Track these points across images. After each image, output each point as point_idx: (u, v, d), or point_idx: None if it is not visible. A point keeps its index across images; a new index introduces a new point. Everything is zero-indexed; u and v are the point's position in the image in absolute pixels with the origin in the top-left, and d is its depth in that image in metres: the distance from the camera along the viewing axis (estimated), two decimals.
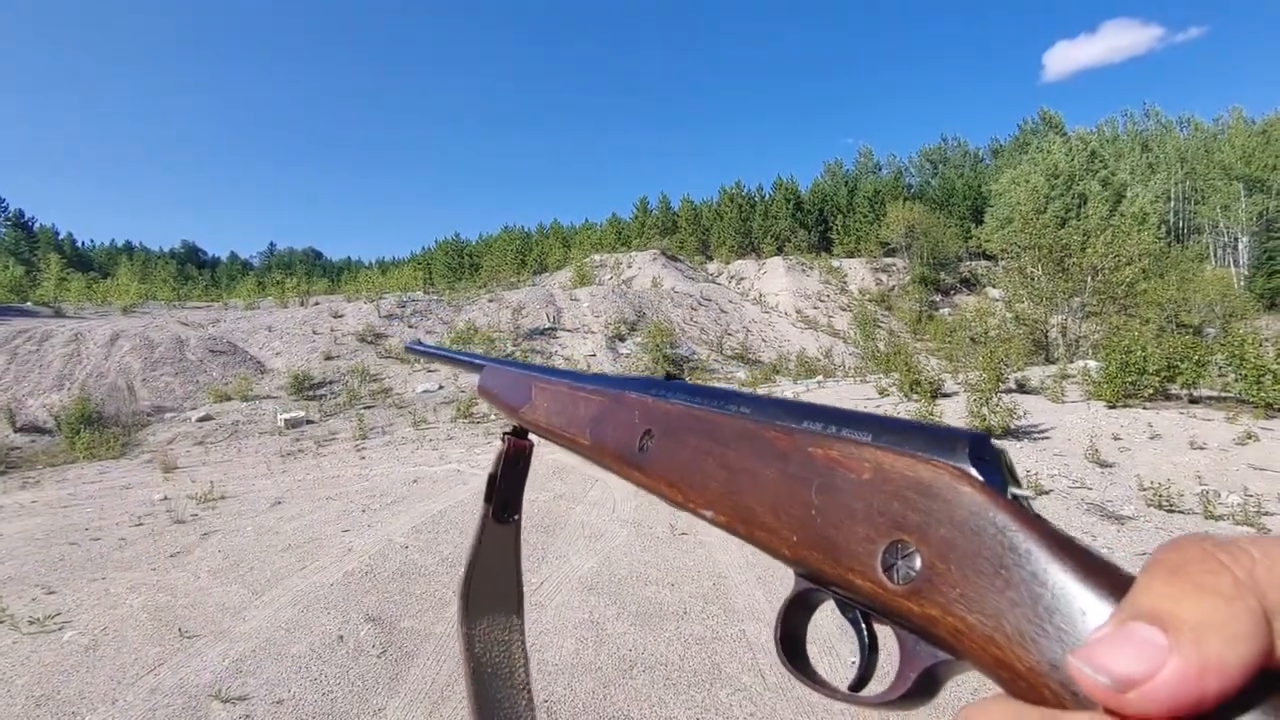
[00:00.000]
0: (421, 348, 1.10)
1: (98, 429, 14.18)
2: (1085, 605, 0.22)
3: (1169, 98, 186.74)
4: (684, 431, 0.44)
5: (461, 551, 6.47)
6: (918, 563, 0.27)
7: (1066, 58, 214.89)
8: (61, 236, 71.70)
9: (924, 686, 0.29)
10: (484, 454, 11.60)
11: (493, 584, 0.69)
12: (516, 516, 0.71)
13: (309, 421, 15.61)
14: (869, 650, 0.35)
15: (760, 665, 4.19)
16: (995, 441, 0.29)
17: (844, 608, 0.34)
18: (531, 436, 0.69)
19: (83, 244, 78.17)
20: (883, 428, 0.32)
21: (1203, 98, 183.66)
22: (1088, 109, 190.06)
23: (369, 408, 16.99)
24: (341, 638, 4.69)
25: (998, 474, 0.28)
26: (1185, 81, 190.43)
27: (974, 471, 0.27)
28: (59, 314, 23.56)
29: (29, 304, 25.14)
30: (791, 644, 0.37)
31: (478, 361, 0.83)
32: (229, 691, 4.01)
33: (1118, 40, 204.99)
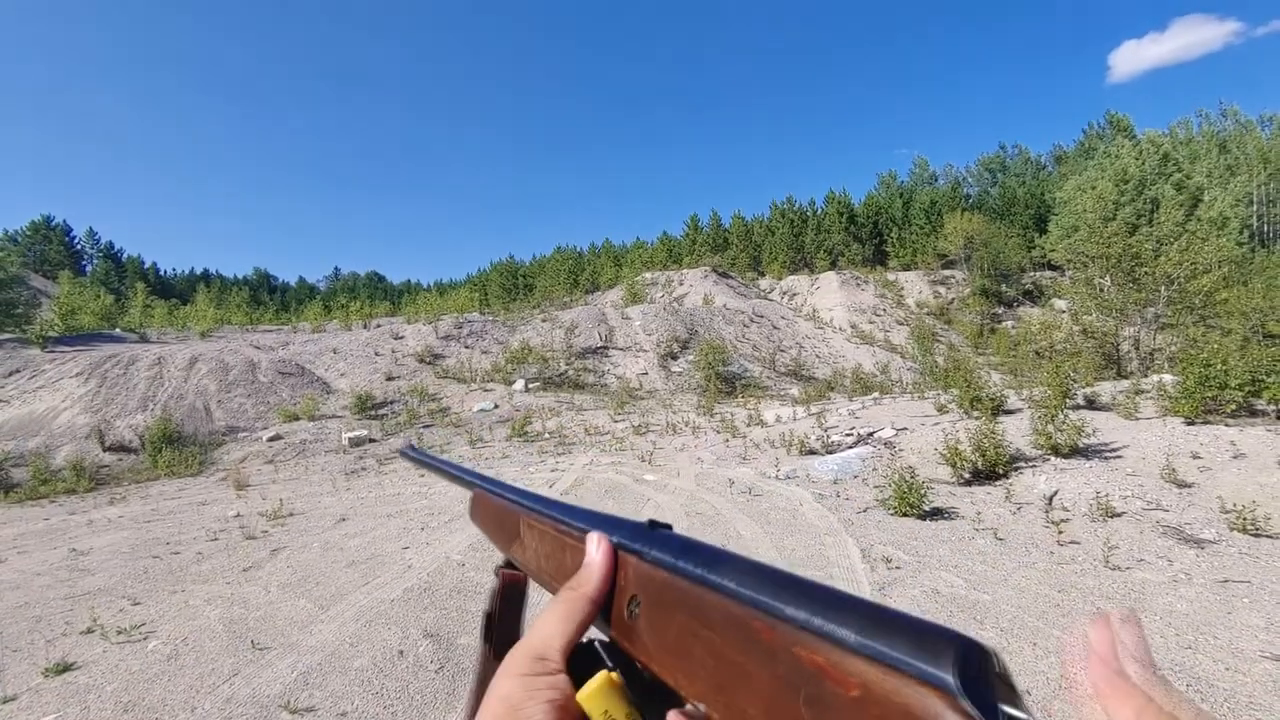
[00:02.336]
0: (415, 454, 0.95)
1: (178, 448, 15.03)
2: None
3: (1249, 96, 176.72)
4: (670, 605, 0.40)
5: None
6: None
7: (1134, 58, 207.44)
8: (147, 266, 76.32)
9: None
10: (538, 473, 11.78)
11: None
12: None
13: (371, 440, 16.16)
14: None
15: None
16: (987, 646, 0.26)
17: None
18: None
19: (165, 273, 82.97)
20: (868, 622, 0.29)
21: None
22: (1159, 111, 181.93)
23: (428, 426, 17.47)
24: (402, 653, 4.84)
25: (988, 690, 0.25)
26: (1267, 78, 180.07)
27: (965, 703, 0.24)
28: (144, 339, 25.11)
29: (117, 330, 26.90)
30: None
31: (469, 480, 0.75)
32: (297, 702, 4.19)
33: (1190, 37, 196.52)
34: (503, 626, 0.63)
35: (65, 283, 38.21)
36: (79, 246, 67.30)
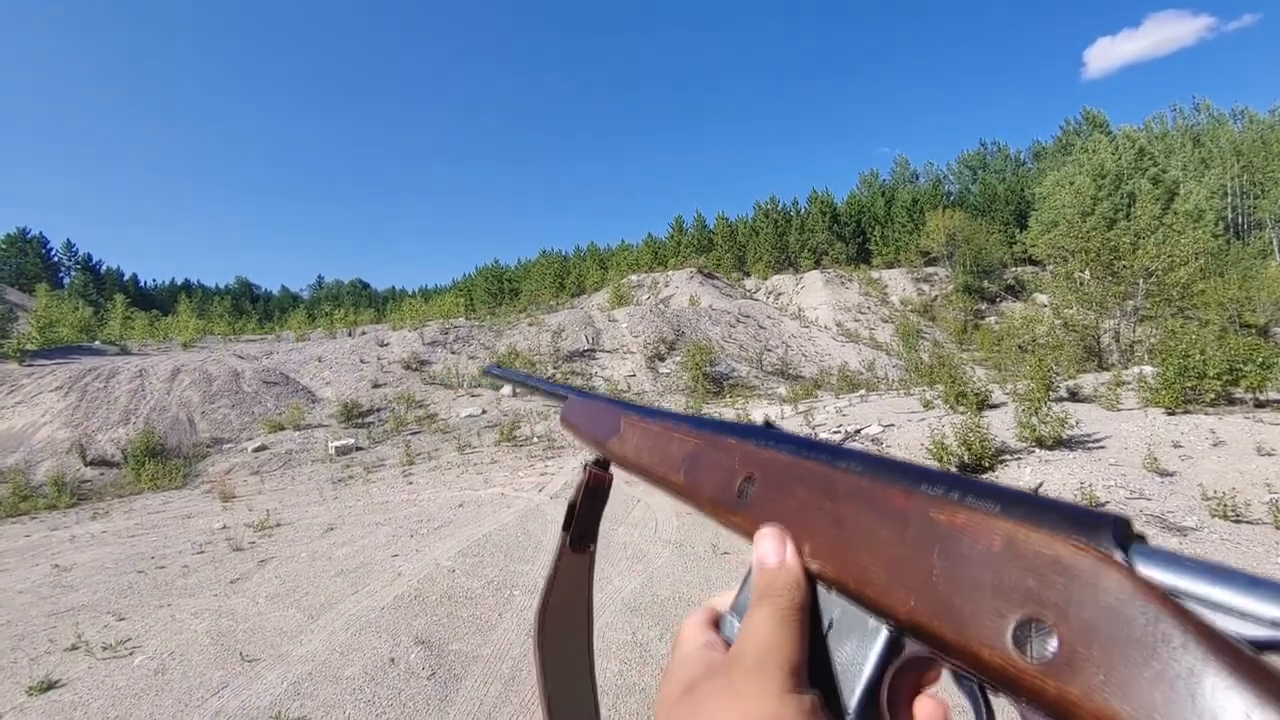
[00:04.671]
0: (501, 372, 1.07)
1: (161, 461, 14.84)
2: (1246, 708, 0.21)
3: (1221, 90, 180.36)
4: (791, 481, 0.43)
5: (506, 574, 6.58)
6: (1054, 642, 0.26)
7: (1109, 54, 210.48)
8: (126, 277, 75.39)
9: None
10: (527, 477, 11.74)
11: (567, 612, 0.69)
12: (592, 546, 0.70)
13: (358, 448, 16.04)
14: None
15: None
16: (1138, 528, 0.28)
17: (959, 679, 0.32)
18: (613, 469, 0.68)
19: (145, 284, 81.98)
20: (1011, 500, 0.31)
21: (1258, 88, 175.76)
22: (1134, 106, 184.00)
23: (415, 434, 17.37)
24: (393, 660, 4.81)
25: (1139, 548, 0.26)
26: (1238, 72, 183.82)
27: (1119, 556, 0.26)
28: (124, 351, 24.79)
29: (97, 343, 26.53)
30: (894, 710, 0.35)
31: (561, 392, 0.82)
32: (288, 713, 4.15)
33: (1163, 33, 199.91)
34: (583, 517, 0.68)
35: (43, 295, 37.66)
36: (56, 259, 66.36)
